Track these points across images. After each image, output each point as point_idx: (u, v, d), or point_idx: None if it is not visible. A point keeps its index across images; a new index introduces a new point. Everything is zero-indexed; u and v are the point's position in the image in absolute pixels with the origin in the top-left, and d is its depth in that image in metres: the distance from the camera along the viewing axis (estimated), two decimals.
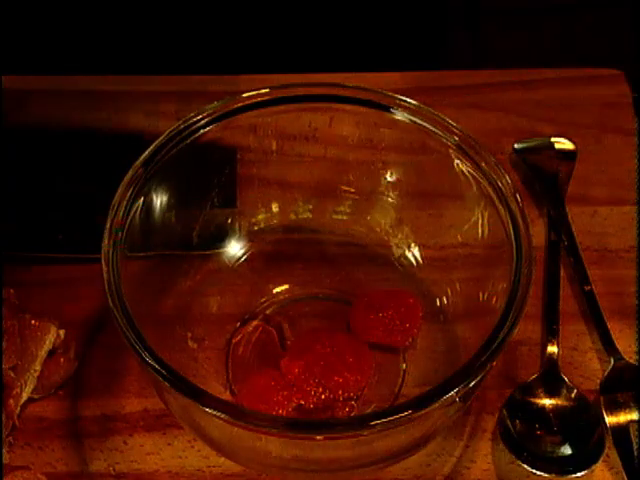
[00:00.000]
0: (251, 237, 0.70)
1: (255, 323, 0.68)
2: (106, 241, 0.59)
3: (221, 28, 0.85)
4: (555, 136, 0.78)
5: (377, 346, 0.66)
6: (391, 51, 0.85)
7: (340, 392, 0.64)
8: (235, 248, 0.70)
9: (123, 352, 0.64)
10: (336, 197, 0.71)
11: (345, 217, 0.71)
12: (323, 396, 0.64)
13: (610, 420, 0.63)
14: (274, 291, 0.69)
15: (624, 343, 0.67)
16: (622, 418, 0.63)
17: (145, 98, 0.80)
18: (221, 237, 0.70)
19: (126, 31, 0.84)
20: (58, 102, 0.80)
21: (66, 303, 0.68)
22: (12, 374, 0.63)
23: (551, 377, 0.65)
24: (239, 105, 0.65)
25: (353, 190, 0.70)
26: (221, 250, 0.70)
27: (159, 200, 0.64)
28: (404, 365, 0.66)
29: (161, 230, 0.65)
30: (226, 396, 0.64)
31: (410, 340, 0.67)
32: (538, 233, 0.73)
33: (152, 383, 0.58)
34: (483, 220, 0.64)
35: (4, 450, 0.61)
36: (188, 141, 0.64)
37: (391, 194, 0.70)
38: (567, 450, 0.62)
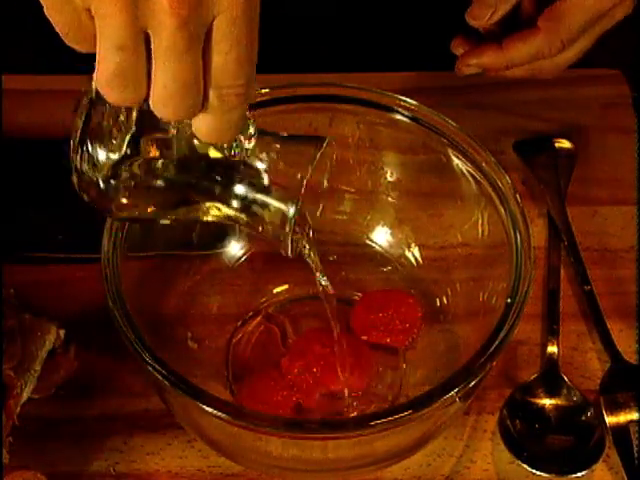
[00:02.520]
0: (251, 237, 0.70)
1: (256, 322, 0.68)
2: (106, 241, 0.59)
3: None
4: (555, 136, 0.78)
5: (377, 346, 0.66)
6: (391, 51, 0.84)
7: (340, 392, 0.64)
8: (235, 248, 0.70)
9: (123, 352, 0.64)
10: (336, 197, 0.70)
11: (345, 217, 0.71)
12: (323, 396, 0.64)
13: (610, 420, 0.63)
14: (274, 291, 0.69)
15: (624, 343, 0.67)
16: (622, 418, 0.63)
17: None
18: (221, 237, 0.70)
19: None
20: (58, 102, 0.79)
21: (66, 303, 0.68)
22: (12, 374, 0.63)
23: (551, 377, 0.65)
24: None
25: (353, 190, 0.70)
26: (221, 250, 0.70)
27: None
28: (404, 365, 0.66)
29: (161, 230, 0.65)
30: (226, 396, 0.64)
31: (410, 340, 0.67)
32: (538, 233, 0.73)
33: (152, 383, 0.58)
34: (483, 220, 0.64)
35: (4, 450, 0.61)
36: None
37: (391, 194, 0.70)
38: (567, 450, 0.62)
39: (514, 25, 0.65)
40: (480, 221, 0.64)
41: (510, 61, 0.65)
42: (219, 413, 0.53)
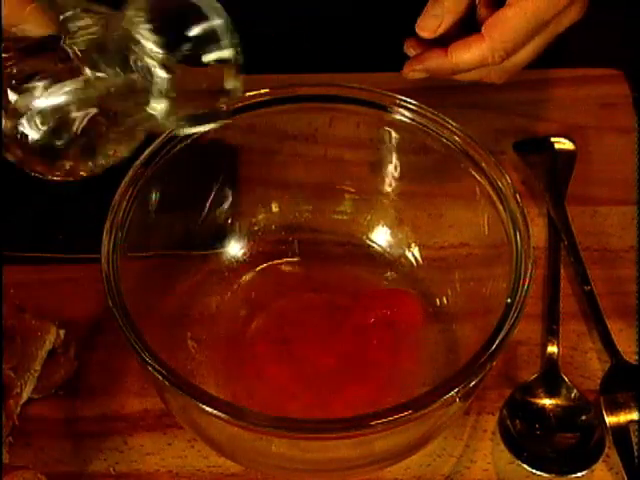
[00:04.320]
0: (251, 237, 0.70)
1: (255, 323, 0.68)
2: (106, 241, 0.59)
3: None
4: (555, 136, 0.78)
5: (377, 346, 0.66)
6: (392, 51, 0.84)
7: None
8: (235, 248, 0.70)
9: (123, 352, 0.64)
10: (336, 197, 0.71)
11: (345, 217, 0.71)
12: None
13: (610, 420, 0.63)
14: (274, 291, 0.69)
15: (624, 343, 0.67)
16: (622, 418, 0.63)
17: None
18: (221, 237, 0.70)
19: None
20: None
21: (66, 303, 0.68)
22: (12, 374, 0.63)
23: (551, 377, 0.65)
24: (239, 105, 0.65)
25: (353, 190, 0.70)
26: (221, 250, 0.70)
27: (159, 200, 0.64)
28: (404, 365, 0.66)
29: (161, 230, 0.65)
30: (226, 396, 0.64)
31: (410, 340, 0.67)
32: (538, 233, 0.73)
33: (152, 383, 0.58)
34: (483, 220, 0.64)
35: (4, 450, 0.61)
36: (188, 141, 0.64)
37: (391, 194, 0.70)
38: (567, 450, 0.62)
39: (471, 27, 0.65)
40: (480, 221, 0.64)
41: (455, 67, 0.65)
42: (219, 413, 0.53)
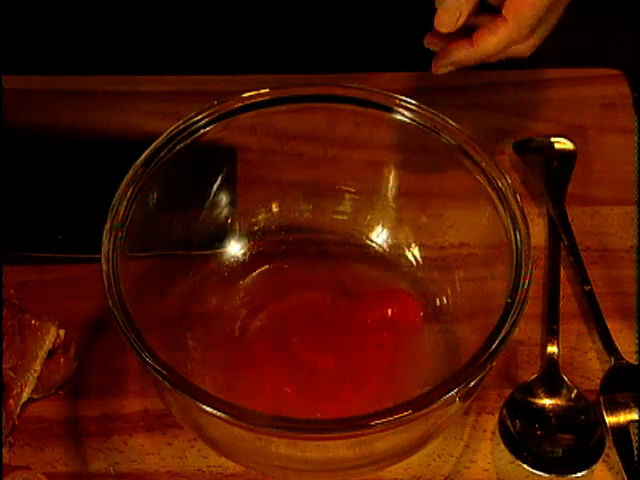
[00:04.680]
0: (251, 237, 0.70)
1: (255, 323, 0.68)
2: (106, 241, 0.59)
3: (221, 28, 0.85)
4: (555, 136, 0.78)
5: (377, 346, 0.66)
6: (391, 51, 0.84)
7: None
8: (235, 248, 0.70)
9: (123, 352, 0.64)
10: (336, 197, 0.71)
11: (345, 217, 0.71)
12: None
13: (610, 420, 0.63)
14: (274, 292, 0.69)
15: (624, 343, 0.67)
16: (622, 418, 0.63)
17: (145, 98, 0.80)
18: (221, 237, 0.70)
19: (126, 31, 0.84)
20: (58, 102, 0.80)
21: (66, 303, 0.68)
22: (12, 374, 0.63)
23: (551, 377, 0.65)
24: (239, 105, 0.65)
25: (353, 190, 0.70)
26: (221, 250, 0.70)
27: (159, 200, 0.64)
28: (404, 365, 0.66)
29: (161, 230, 0.65)
30: (226, 396, 0.64)
31: (410, 340, 0.67)
32: (538, 233, 0.73)
33: (152, 383, 0.58)
34: (483, 220, 0.64)
35: (4, 450, 0.61)
36: (188, 141, 0.64)
37: (391, 194, 0.70)
38: (567, 450, 0.62)
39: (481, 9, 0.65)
40: (480, 221, 0.64)
41: (484, 54, 0.64)
42: (219, 413, 0.53)
